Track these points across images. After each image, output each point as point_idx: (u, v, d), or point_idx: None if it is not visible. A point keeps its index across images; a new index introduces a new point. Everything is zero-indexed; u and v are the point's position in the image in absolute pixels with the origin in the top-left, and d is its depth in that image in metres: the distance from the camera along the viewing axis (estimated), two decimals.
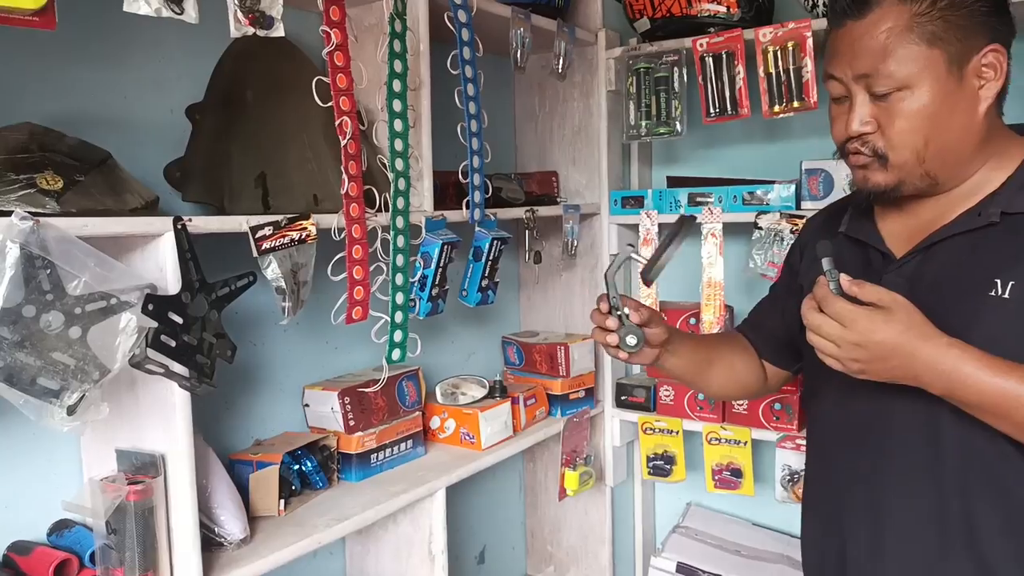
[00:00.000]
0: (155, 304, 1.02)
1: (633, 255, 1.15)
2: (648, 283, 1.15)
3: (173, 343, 1.05)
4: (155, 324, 1.02)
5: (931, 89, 0.95)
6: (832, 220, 1.19)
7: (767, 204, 1.79)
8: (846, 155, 1.04)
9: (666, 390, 1.99)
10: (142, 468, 1.13)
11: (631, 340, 1.14)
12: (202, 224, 1.09)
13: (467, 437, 1.70)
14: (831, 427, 1.14)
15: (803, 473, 1.79)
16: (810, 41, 1.69)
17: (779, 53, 1.73)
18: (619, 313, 1.14)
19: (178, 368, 1.07)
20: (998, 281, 0.94)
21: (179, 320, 1.06)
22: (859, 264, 1.10)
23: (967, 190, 1.01)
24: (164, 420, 1.11)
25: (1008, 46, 0.99)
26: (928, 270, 1.02)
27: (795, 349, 1.27)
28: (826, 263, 0.94)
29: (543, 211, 1.83)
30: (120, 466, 1.15)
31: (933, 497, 1.00)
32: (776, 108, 1.75)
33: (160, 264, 1.06)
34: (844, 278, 0.93)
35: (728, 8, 1.81)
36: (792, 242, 1.31)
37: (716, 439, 1.90)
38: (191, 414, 1.11)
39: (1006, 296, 0.93)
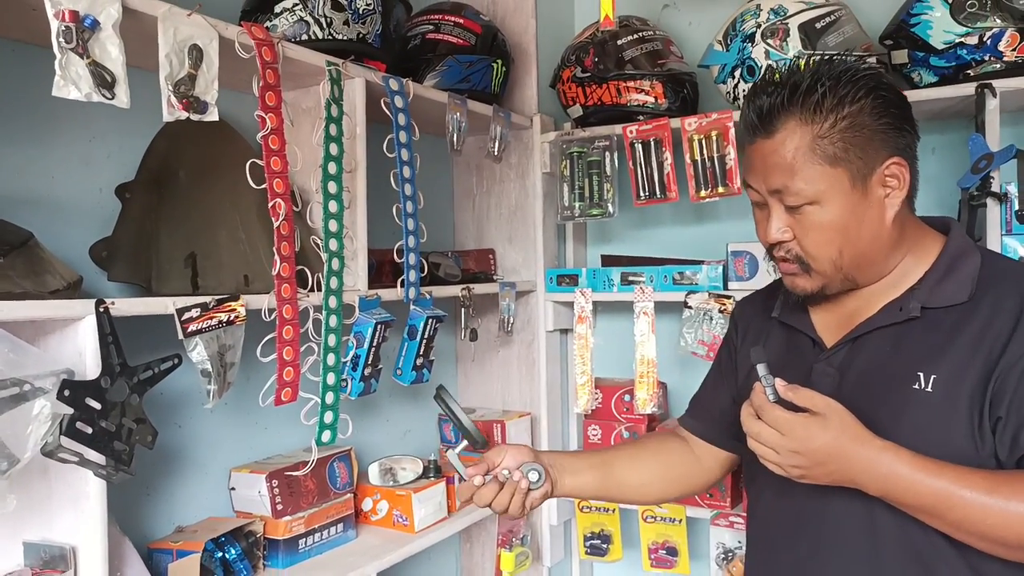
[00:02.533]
0: (71, 390, 0.99)
1: (457, 451, 1.21)
2: (484, 445, 1.19)
3: (89, 430, 1.02)
4: (71, 410, 0.99)
5: (838, 204, 1.00)
6: (767, 301, 1.23)
7: (696, 284, 1.85)
8: (774, 259, 1.10)
9: None
10: (51, 562, 1.07)
11: (533, 476, 1.14)
12: (126, 307, 1.07)
13: (400, 519, 1.66)
14: (771, 514, 1.15)
15: (737, 551, 1.80)
16: (732, 131, 1.78)
17: (704, 141, 1.81)
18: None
19: (94, 456, 1.03)
20: (921, 375, 0.98)
21: (97, 406, 1.03)
22: (792, 350, 1.14)
23: (890, 282, 1.06)
24: (77, 510, 1.06)
25: (911, 155, 1.04)
26: (856, 361, 1.06)
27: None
28: (761, 369, 0.96)
29: (479, 288, 1.85)
30: (27, 560, 1.09)
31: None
32: (702, 193, 1.82)
33: (80, 348, 1.03)
34: (779, 383, 0.96)
35: (655, 98, 1.90)
36: (729, 323, 1.34)
37: (652, 517, 1.90)
38: (106, 503, 1.06)
39: (929, 390, 0.97)
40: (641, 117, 1.92)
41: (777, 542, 1.12)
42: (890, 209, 1.02)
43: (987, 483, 0.89)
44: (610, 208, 1.96)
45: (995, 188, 1.57)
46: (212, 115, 1.12)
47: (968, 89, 1.60)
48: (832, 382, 1.05)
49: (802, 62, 1.69)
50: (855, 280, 1.06)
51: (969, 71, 1.62)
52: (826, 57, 1.07)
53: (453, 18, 1.79)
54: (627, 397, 1.97)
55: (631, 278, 1.93)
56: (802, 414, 0.94)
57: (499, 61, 1.85)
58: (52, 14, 0.92)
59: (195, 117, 1.09)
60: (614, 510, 1.96)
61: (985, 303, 0.99)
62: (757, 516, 1.20)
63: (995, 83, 1.57)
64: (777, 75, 1.05)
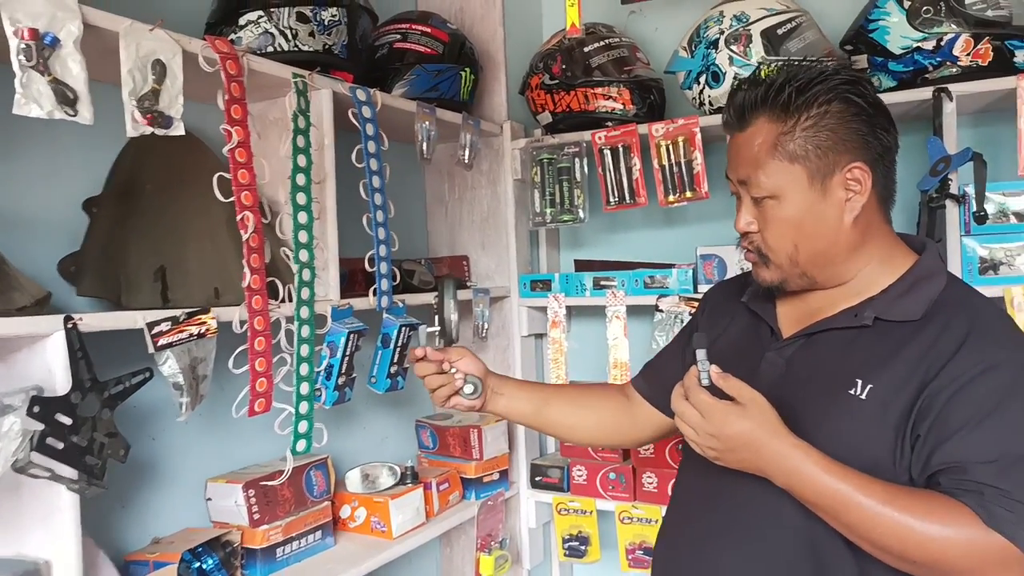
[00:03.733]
0: (41, 406, 0.99)
1: (428, 330, 1.33)
2: (451, 343, 1.27)
3: (60, 445, 1.02)
4: (41, 426, 0.99)
5: (795, 200, 1.05)
6: (740, 287, 1.27)
7: (667, 288, 1.88)
8: (743, 248, 1.15)
9: (579, 470, 2.01)
10: None
11: (468, 388, 1.27)
12: (95, 322, 1.08)
13: (378, 526, 1.68)
14: (688, 490, 1.20)
15: None
16: (699, 136, 1.81)
17: (671, 146, 1.84)
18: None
19: (65, 471, 1.04)
20: (859, 381, 1.01)
21: (68, 421, 1.03)
22: (750, 334, 1.19)
23: (853, 288, 1.09)
24: (50, 524, 1.07)
25: (882, 163, 1.06)
26: (805, 356, 1.10)
27: None
28: (700, 354, 1.01)
29: None
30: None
31: (772, 559, 1.05)
32: (671, 197, 1.85)
33: (49, 364, 1.04)
34: (714, 370, 1.00)
35: (623, 105, 1.93)
36: (699, 304, 1.39)
37: (628, 518, 1.92)
38: (79, 516, 1.07)
39: (863, 397, 1.00)
40: (609, 123, 1.94)
41: (688, 515, 1.17)
42: (848, 213, 1.05)
43: (885, 494, 0.93)
44: (581, 214, 1.98)
45: (953, 190, 1.61)
46: (178, 129, 1.13)
47: (925, 93, 1.64)
48: (777, 371, 1.10)
49: (773, 66, 1.78)
50: (813, 277, 1.09)
51: (927, 75, 1.66)
52: (812, 61, 1.11)
53: (420, 27, 1.81)
54: None
55: (603, 283, 1.96)
56: (725, 401, 0.99)
57: (467, 69, 1.87)
58: (11, 32, 0.93)
59: (160, 132, 1.10)
60: (591, 511, 1.98)
61: (935, 324, 1.01)
62: (677, 490, 1.24)
63: (951, 87, 1.62)
64: (764, 74, 1.10)
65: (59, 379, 1.04)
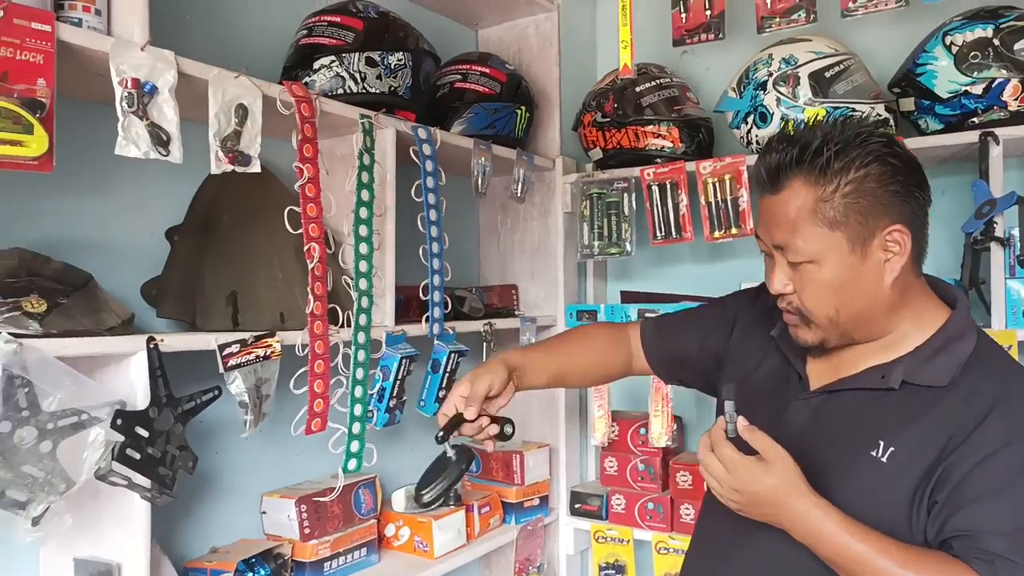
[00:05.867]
0: (123, 419, 1.08)
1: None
2: (427, 504, 1.24)
3: (138, 456, 1.11)
4: (122, 438, 1.08)
5: (835, 265, 1.02)
6: (767, 314, 1.23)
7: None
8: (782, 318, 1.13)
9: (617, 499, 2.04)
10: None
11: (508, 429, 1.24)
12: (174, 342, 1.17)
13: (421, 545, 1.73)
14: (711, 525, 1.22)
15: None
16: (745, 175, 1.85)
17: (718, 184, 1.89)
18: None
19: (140, 480, 1.12)
20: (881, 443, 1.02)
21: (145, 434, 1.12)
22: (778, 377, 1.19)
23: (884, 343, 1.08)
24: (123, 530, 1.15)
25: (917, 222, 1.04)
26: (830, 411, 1.10)
27: (684, 373, 1.40)
28: (728, 406, 1.03)
29: (501, 323, 1.93)
30: (77, 575, 1.18)
31: None
32: (716, 234, 1.89)
33: (131, 380, 1.13)
34: (741, 423, 1.02)
35: (672, 142, 1.98)
36: (733, 302, 1.38)
37: (665, 548, 1.94)
38: (150, 523, 1.15)
39: (884, 459, 1.01)
40: (658, 160, 2.00)
41: (709, 558, 1.20)
42: (889, 274, 1.03)
43: (901, 557, 0.95)
44: (627, 247, 2.03)
45: (999, 233, 1.62)
46: (255, 167, 1.22)
47: (972, 137, 1.66)
48: (802, 422, 1.11)
49: (811, 112, 1.78)
50: (852, 336, 1.08)
51: (974, 119, 1.68)
52: (840, 117, 1.09)
53: (480, 68, 1.89)
54: (643, 430, 2.02)
55: (647, 315, 2.00)
56: (750, 457, 1.00)
57: (523, 107, 1.95)
58: (117, 82, 1.03)
59: (239, 169, 1.20)
60: (628, 540, 2.01)
61: (962, 389, 1.01)
62: (700, 528, 1.27)
63: (998, 131, 1.63)
64: (792, 130, 1.06)
65: (139, 394, 1.13)
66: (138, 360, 1.12)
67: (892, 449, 1.02)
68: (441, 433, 1.18)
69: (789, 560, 1.06)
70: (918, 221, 1.05)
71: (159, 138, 1.06)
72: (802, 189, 1.02)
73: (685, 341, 1.37)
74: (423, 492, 1.20)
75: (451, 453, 1.21)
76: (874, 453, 1.02)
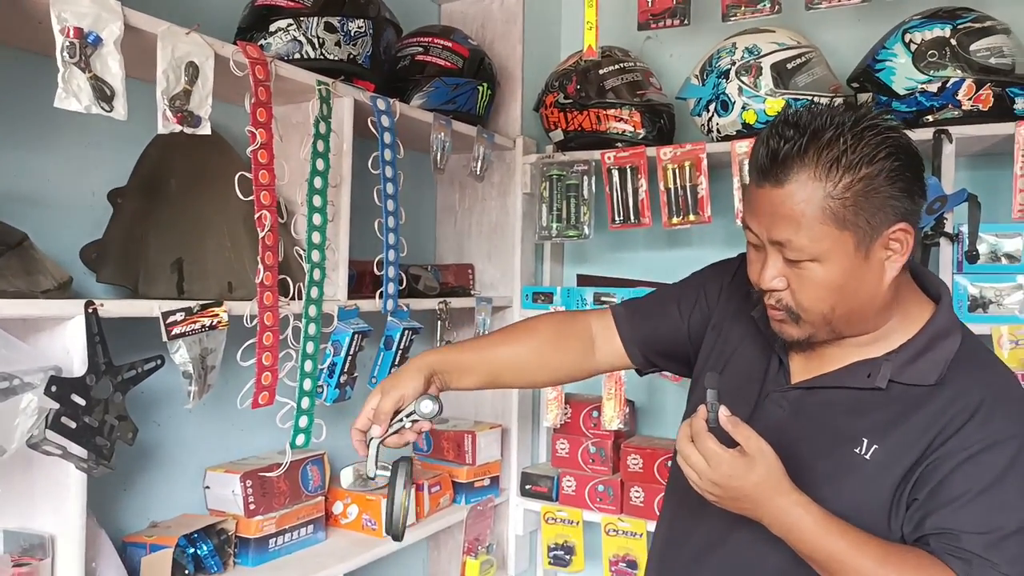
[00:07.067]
0: (58, 386, 1.04)
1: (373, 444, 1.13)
2: (398, 537, 1.12)
3: (73, 425, 1.07)
4: (56, 405, 1.04)
5: (839, 265, 0.97)
6: (745, 291, 1.17)
7: None
8: (762, 302, 1.07)
9: (568, 480, 2.05)
10: (29, 550, 1.11)
11: (426, 407, 1.11)
12: (114, 308, 1.12)
13: (369, 523, 1.72)
14: (681, 516, 1.19)
15: None
16: (705, 162, 1.86)
17: (677, 170, 1.89)
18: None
19: (76, 449, 1.08)
20: (865, 440, 1.01)
21: (82, 402, 1.08)
22: (761, 366, 1.14)
23: (871, 339, 1.06)
24: (57, 501, 1.11)
25: (917, 219, 1.00)
26: (812, 406, 1.07)
27: (661, 357, 1.30)
28: (710, 395, 0.99)
29: (456, 302, 1.91)
30: (6, 547, 1.13)
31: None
32: (674, 220, 1.90)
33: (68, 346, 1.08)
34: (723, 413, 0.98)
35: (633, 127, 1.98)
36: (711, 275, 1.30)
37: (614, 530, 1.96)
38: (86, 495, 1.11)
39: (867, 457, 1.00)
40: (619, 144, 1.99)
41: (683, 544, 1.17)
42: (889, 272, 1.00)
43: (880, 553, 0.95)
44: (586, 230, 2.03)
45: (948, 229, 1.66)
46: (205, 129, 1.18)
47: (926, 134, 1.68)
48: (782, 415, 1.08)
49: (772, 102, 1.78)
50: (841, 333, 1.05)
51: (929, 117, 1.71)
52: (849, 105, 1.01)
53: (442, 41, 1.86)
54: (595, 413, 2.03)
55: (603, 298, 2.00)
56: (732, 451, 0.97)
57: (485, 84, 1.92)
58: (58, 30, 0.98)
59: (188, 130, 1.15)
60: (578, 522, 2.02)
61: (948, 389, 1.00)
62: (667, 518, 1.24)
63: (952, 129, 1.66)
64: (796, 115, 0.98)
65: (76, 361, 1.08)
66: (75, 325, 1.08)
67: (876, 447, 1.00)
68: (373, 475, 1.12)
69: (768, 558, 1.05)
70: (917, 217, 1.00)
71: (102, 92, 1.01)
72: (809, 183, 0.95)
73: (668, 319, 1.28)
74: (396, 526, 1.11)
75: (385, 474, 1.13)
76: (857, 451, 1.01)
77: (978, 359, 1.05)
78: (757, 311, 1.14)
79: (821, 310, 1.01)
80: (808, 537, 0.97)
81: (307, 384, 1.46)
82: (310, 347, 1.45)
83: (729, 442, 0.98)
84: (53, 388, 1.03)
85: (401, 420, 1.11)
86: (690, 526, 1.16)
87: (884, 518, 1.00)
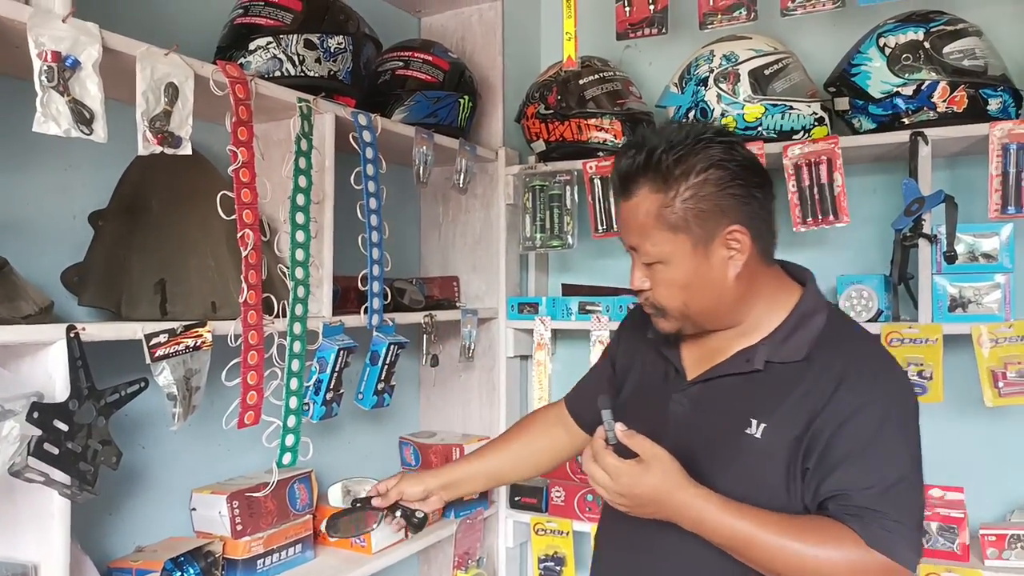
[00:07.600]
0: (40, 412, 1.02)
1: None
2: (334, 529, 1.42)
3: (56, 451, 1.05)
4: (39, 432, 1.02)
5: (680, 265, 1.10)
6: (644, 321, 1.28)
7: None
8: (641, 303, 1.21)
9: (557, 491, 2.05)
10: None
11: (416, 517, 1.44)
12: (97, 331, 1.11)
13: (358, 541, 1.70)
14: (617, 524, 1.24)
15: None
16: None
17: None
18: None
19: (59, 476, 1.06)
20: (754, 421, 1.09)
21: (64, 427, 1.06)
22: (660, 375, 1.25)
23: (746, 329, 1.16)
24: (40, 529, 1.09)
25: (760, 219, 1.12)
26: (706, 398, 1.16)
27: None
28: (605, 415, 1.06)
29: (442, 315, 1.91)
30: None
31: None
32: None
33: (50, 371, 1.07)
34: (619, 428, 1.06)
35: (615, 136, 1.99)
36: (618, 329, 1.46)
37: None
38: (69, 522, 1.09)
39: (758, 435, 1.08)
40: (600, 153, 2.00)
41: (620, 548, 1.24)
42: (732, 270, 1.11)
43: (780, 527, 1.02)
44: (569, 240, 2.04)
45: (927, 230, 1.68)
46: (185, 149, 1.17)
47: (903, 136, 1.71)
48: (682, 411, 1.17)
49: (751, 108, 1.81)
50: (705, 325, 1.16)
51: (904, 119, 1.73)
52: (682, 121, 1.17)
53: (422, 55, 1.86)
54: None
55: (589, 307, 2.01)
56: (629, 461, 1.05)
57: (466, 97, 1.93)
58: (35, 54, 0.97)
59: (169, 151, 1.14)
60: (568, 532, 2.01)
61: (817, 363, 1.09)
62: (607, 518, 1.30)
63: (927, 131, 1.69)
64: (642, 135, 1.13)
65: (59, 386, 1.07)
66: (57, 350, 1.06)
67: (764, 425, 1.08)
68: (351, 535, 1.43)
69: (695, 556, 1.10)
70: (759, 219, 1.12)
71: (81, 115, 1.00)
72: (648, 195, 1.10)
73: (596, 386, 1.42)
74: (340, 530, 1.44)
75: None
76: (748, 431, 1.09)
77: (842, 333, 1.15)
78: (652, 331, 1.25)
79: (676, 305, 1.13)
80: (713, 525, 1.03)
81: (293, 402, 1.45)
82: (295, 365, 1.44)
83: (633, 456, 1.06)
84: (35, 414, 1.02)
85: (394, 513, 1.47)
86: (623, 533, 1.22)
87: (783, 491, 1.07)
